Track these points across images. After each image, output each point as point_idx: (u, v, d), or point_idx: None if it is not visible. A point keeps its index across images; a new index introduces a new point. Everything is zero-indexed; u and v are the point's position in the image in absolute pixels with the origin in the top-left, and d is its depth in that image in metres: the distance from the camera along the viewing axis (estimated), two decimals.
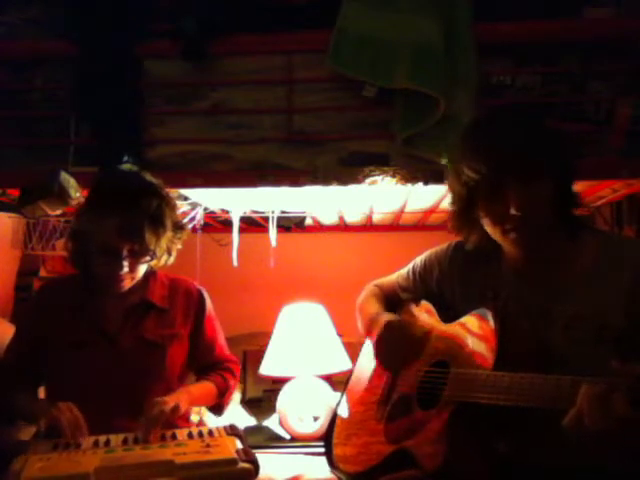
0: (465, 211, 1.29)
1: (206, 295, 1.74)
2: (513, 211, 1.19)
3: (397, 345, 1.41)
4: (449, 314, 1.40)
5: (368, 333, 1.52)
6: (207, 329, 1.71)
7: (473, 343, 1.27)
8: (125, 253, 1.52)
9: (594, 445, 1.04)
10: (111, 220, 1.49)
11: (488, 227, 1.27)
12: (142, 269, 1.61)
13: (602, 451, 1.11)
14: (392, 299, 1.59)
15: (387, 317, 1.45)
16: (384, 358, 1.44)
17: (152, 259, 1.59)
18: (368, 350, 1.57)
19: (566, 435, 1.00)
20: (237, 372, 1.78)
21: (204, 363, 1.72)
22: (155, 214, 1.54)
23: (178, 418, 1.52)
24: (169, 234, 1.59)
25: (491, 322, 1.23)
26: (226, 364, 1.75)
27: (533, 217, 1.21)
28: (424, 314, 1.48)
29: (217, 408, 1.73)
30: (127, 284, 1.59)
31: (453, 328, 1.36)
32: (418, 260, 1.54)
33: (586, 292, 1.19)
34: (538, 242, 1.26)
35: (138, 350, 1.58)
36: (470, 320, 1.31)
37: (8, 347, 1.66)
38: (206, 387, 1.67)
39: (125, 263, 1.53)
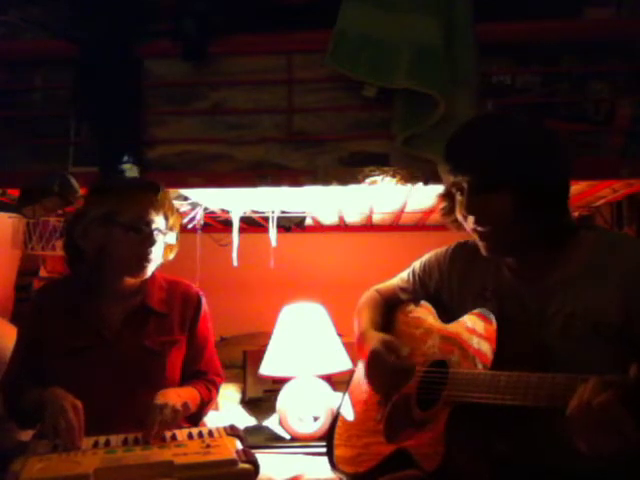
0: (450, 211, 1.33)
1: (204, 300, 1.71)
2: (473, 224, 1.23)
3: (383, 374, 1.41)
4: (448, 314, 1.40)
5: (359, 348, 1.52)
6: (199, 335, 1.68)
7: (472, 343, 1.27)
8: (154, 226, 1.56)
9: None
10: (145, 196, 1.56)
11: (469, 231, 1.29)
12: (160, 252, 1.61)
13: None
14: (392, 302, 1.59)
15: (373, 340, 1.45)
16: (374, 385, 1.45)
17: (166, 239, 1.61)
18: None
19: (564, 434, 0.99)
20: (220, 384, 1.73)
21: (190, 370, 1.67)
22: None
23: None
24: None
25: (490, 322, 1.23)
26: (211, 376, 1.70)
27: (499, 232, 1.22)
28: (423, 314, 1.49)
29: (193, 419, 1.62)
30: (150, 268, 1.60)
31: (452, 328, 1.36)
32: (418, 263, 1.54)
33: (583, 290, 1.19)
34: (516, 252, 1.27)
35: (137, 356, 1.57)
36: (470, 320, 1.31)
37: (12, 357, 1.63)
38: (192, 393, 1.59)
39: (153, 240, 1.56)
